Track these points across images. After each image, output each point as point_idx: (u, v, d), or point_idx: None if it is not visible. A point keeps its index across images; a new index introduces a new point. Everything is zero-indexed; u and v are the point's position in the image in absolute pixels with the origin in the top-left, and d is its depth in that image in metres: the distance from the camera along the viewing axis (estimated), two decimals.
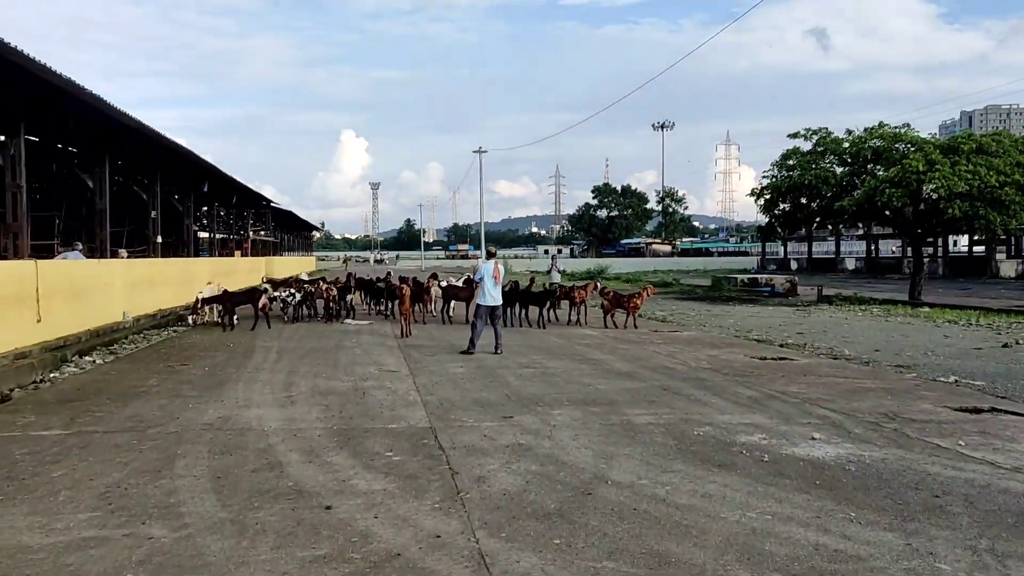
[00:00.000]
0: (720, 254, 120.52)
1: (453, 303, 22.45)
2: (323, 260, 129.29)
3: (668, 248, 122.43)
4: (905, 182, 30.13)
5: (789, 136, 36.22)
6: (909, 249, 50.42)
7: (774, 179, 37.05)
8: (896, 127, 34.03)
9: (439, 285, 22.69)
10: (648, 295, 21.27)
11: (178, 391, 10.53)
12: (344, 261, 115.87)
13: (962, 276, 59.06)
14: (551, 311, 20.80)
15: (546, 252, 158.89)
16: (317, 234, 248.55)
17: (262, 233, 56.51)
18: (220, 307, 19.59)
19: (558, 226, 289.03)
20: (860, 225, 58.91)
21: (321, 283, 23.52)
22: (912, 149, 31.96)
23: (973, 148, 30.17)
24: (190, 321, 19.44)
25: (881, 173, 31.67)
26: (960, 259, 66.98)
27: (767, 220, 41.45)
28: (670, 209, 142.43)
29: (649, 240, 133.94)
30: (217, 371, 12.36)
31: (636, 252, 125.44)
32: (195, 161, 25.35)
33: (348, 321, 21.15)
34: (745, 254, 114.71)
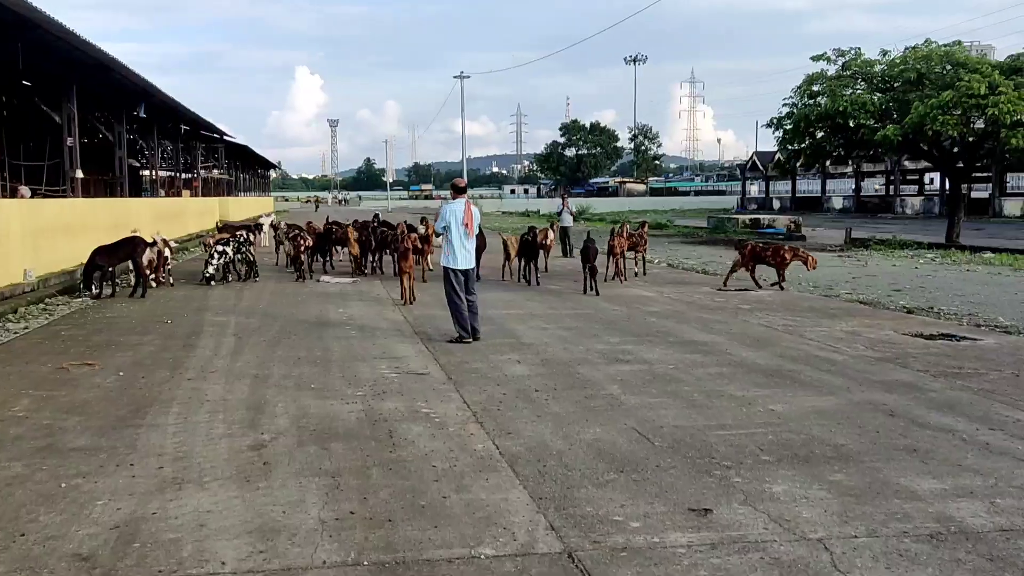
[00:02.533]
0: (696, 193, 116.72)
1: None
2: (284, 201, 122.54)
3: (642, 187, 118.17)
4: (962, 107, 26.06)
5: (812, 59, 31.93)
6: (897, 187, 47.15)
7: (797, 108, 32.68)
8: (945, 44, 29.80)
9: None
10: (802, 258, 15.71)
11: (51, 436, 5.88)
12: (314, 202, 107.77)
13: (971, 214, 55.88)
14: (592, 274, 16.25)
15: (512, 192, 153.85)
16: (274, 173, 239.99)
17: (215, 172, 50.88)
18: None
19: (519, 166, 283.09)
20: (850, 162, 55.20)
21: (305, 229, 18.78)
22: (964, 71, 27.76)
23: None
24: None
25: (931, 99, 27.40)
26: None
27: (784, 155, 37.15)
28: (643, 147, 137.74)
29: (622, 179, 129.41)
30: (138, 379, 7.75)
31: (605, 192, 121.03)
32: (125, 76, 20.12)
33: (326, 279, 16.57)
34: (721, 193, 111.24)
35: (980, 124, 28.11)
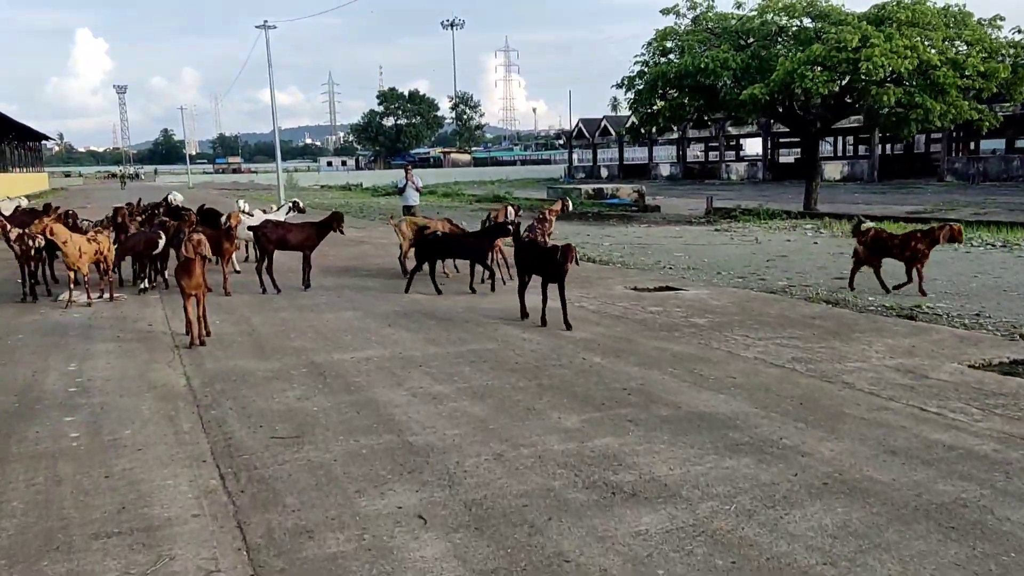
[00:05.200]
0: (522, 163, 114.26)
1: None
2: (65, 178, 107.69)
3: (467, 158, 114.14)
4: (832, 62, 23.82)
5: (663, 12, 29.05)
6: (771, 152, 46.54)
7: (649, 66, 29.60)
8: None
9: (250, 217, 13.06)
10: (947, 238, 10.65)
11: None
12: (120, 178, 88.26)
13: (790, 179, 56.40)
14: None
15: (329, 164, 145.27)
16: (55, 147, 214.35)
17: None
18: None
19: (334, 137, 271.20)
20: (674, 128, 54.07)
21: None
22: (828, 23, 25.67)
23: (906, 19, 24.23)
24: None
25: (797, 54, 24.99)
26: (781, 165, 64.73)
27: (638, 117, 34.12)
28: (464, 116, 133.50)
29: (445, 149, 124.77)
30: None
31: (427, 163, 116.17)
32: None
33: (66, 296, 11.04)
34: (547, 162, 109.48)
35: (844, 81, 26.19)
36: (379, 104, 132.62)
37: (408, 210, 19.28)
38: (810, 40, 25.13)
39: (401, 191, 19.54)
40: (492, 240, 11.64)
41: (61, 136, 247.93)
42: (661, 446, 5.09)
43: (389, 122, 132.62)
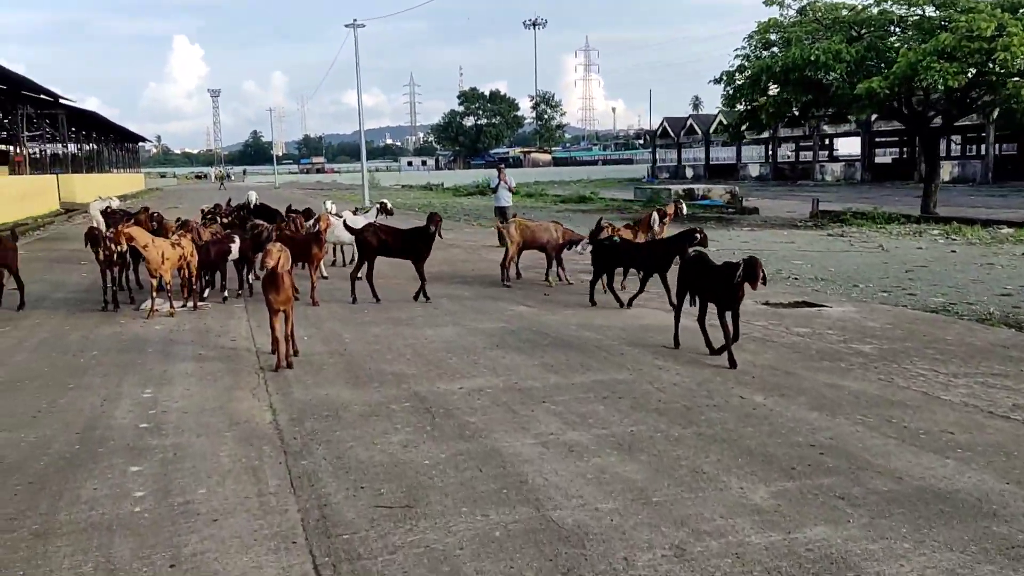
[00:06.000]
0: (604, 162, 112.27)
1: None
2: (160, 178, 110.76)
3: (547, 157, 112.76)
4: (962, 53, 21.60)
5: (766, 2, 27.24)
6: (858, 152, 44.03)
7: (750, 60, 27.78)
8: None
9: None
10: None
11: None
12: (218, 178, 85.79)
13: (890, 180, 53.33)
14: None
15: (409, 164, 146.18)
16: (153, 148, 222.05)
17: (57, 145, 42.41)
18: None
19: (414, 137, 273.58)
20: (769, 126, 51.50)
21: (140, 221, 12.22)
22: (956, 11, 23.43)
23: None
24: None
25: (922, 45, 22.86)
26: (878, 165, 61.37)
27: (736, 116, 32.25)
28: (545, 115, 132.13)
29: (526, 149, 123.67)
30: None
31: (506, 162, 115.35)
32: None
33: (148, 306, 10.22)
34: (628, 162, 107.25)
35: (973, 73, 23.94)
36: (460, 104, 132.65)
37: (501, 212, 18.17)
38: (934, 30, 23.03)
39: (493, 191, 18.42)
40: (679, 251, 9.37)
41: (159, 138, 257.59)
42: (905, 545, 3.72)
43: (469, 122, 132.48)
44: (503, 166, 19.23)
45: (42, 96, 31.95)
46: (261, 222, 12.49)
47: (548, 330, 8.85)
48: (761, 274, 6.84)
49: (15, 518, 4.12)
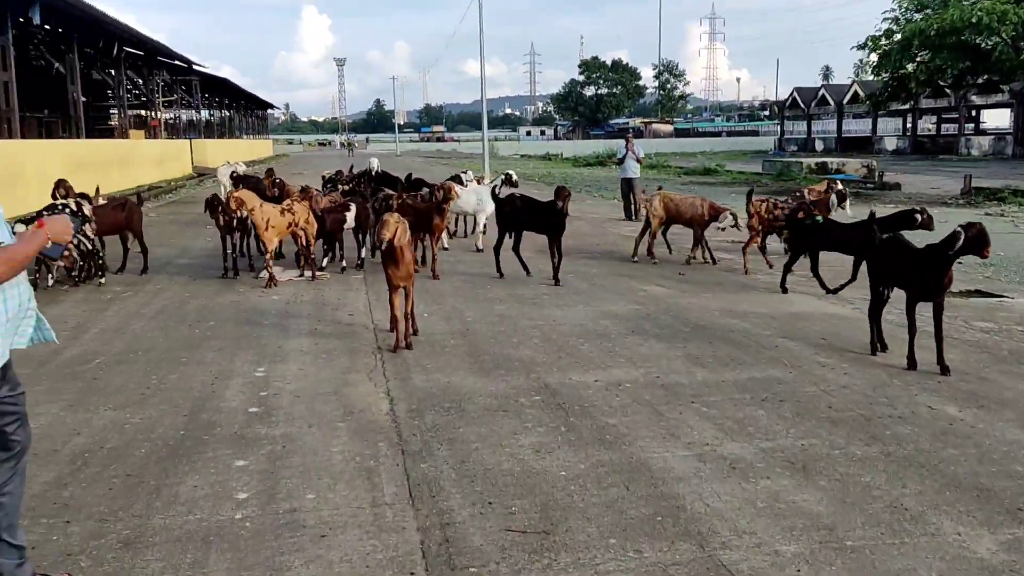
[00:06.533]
0: (728, 134, 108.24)
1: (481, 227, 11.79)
2: (287, 144, 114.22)
3: (669, 128, 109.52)
4: None
5: None
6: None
7: (902, 23, 25.52)
8: None
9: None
10: None
11: None
12: (347, 145, 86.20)
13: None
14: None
15: (528, 134, 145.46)
16: (281, 116, 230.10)
17: (191, 111, 43.96)
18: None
19: (532, 107, 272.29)
20: (917, 96, 47.73)
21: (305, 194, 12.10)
22: None
23: None
24: None
25: None
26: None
27: (884, 82, 29.91)
28: (668, 85, 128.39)
29: (647, 120, 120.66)
30: None
31: (625, 133, 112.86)
32: None
33: (263, 276, 10.00)
34: (754, 133, 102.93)
35: None
36: (580, 73, 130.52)
37: (627, 183, 17.26)
38: None
39: (620, 162, 17.48)
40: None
41: (287, 106, 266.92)
42: None
43: (589, 92, 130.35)
44: (631, 135, 18.24)
45: (177, 63, 32.96)
46: (387, 190, 12.08)
47: (688, 315, 8.00)
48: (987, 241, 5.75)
49: (106, 519, 3.69)
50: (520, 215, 9.89)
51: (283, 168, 36.03)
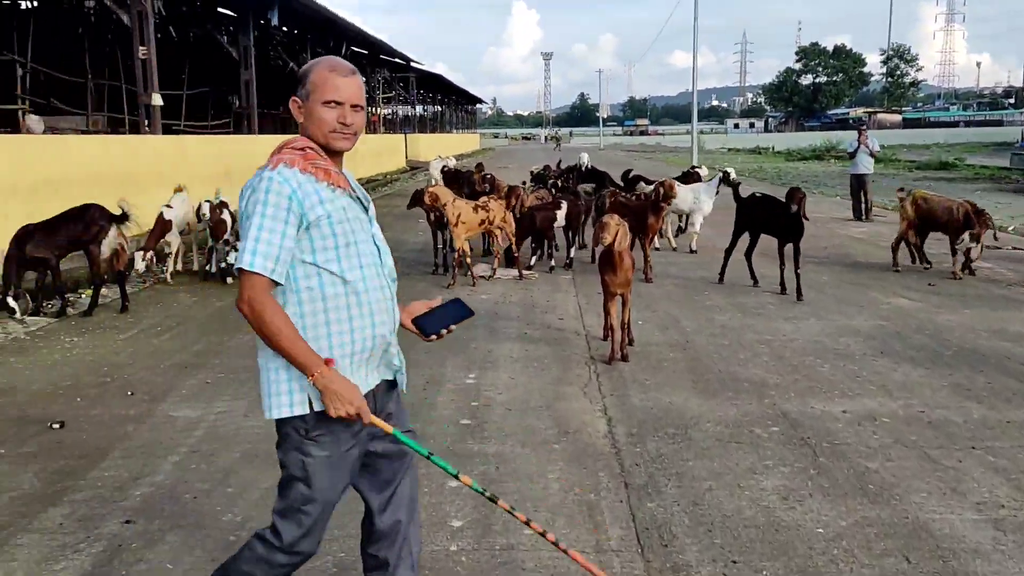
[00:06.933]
0: (966, 124, 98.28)
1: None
2: (494, 139, 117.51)
3: (897, 118, 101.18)
4: None
5: None
6: None
7: None
8: None
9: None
10: None
11: None
12: (554, 139, 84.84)
13: None
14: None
15: (736, 126, 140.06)
16: (488, 110, 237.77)
17: (407, 106, 45.92)
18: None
19: (741, 98, 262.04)
20: None
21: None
22: None
23: None
24: (141, 266, 8.75)
25: None
26: None
27: None
28: (897, 71, 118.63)
29: (870, 109, 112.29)
30: None
31: (846, 124, 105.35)
32: None
33: (482, 269, 9.90)
34: (997, 123, 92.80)
35: None
36: (797, 61, 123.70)
37: (858, 180, 15.73)
38: None
39: (851, 156, 15.95)
40: None
41: (494, 100, 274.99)
42: None
43: (806, 80, 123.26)
44: (865, 127, 16.66)
45: (396, 60, 34.44)
46: (612, 189, 11.67)
47: (947, 335, 6.89)
48: None
49: (327, 538, 3.49)
50: (758, 216, 8.95)
51: (489, 162, 36.71)
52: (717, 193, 11.35)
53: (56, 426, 4.78)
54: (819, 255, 11.39)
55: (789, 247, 8.46)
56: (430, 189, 9.43)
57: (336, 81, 2.35)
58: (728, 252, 9.26)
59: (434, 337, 2.62)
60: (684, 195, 11.27)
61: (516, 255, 9.88)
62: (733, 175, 11.66)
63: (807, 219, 8.45)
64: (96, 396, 5.44)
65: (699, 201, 11.21)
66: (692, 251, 11.50)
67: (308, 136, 2.41)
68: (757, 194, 9.37)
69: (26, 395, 5.47)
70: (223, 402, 5.32)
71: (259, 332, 2.25)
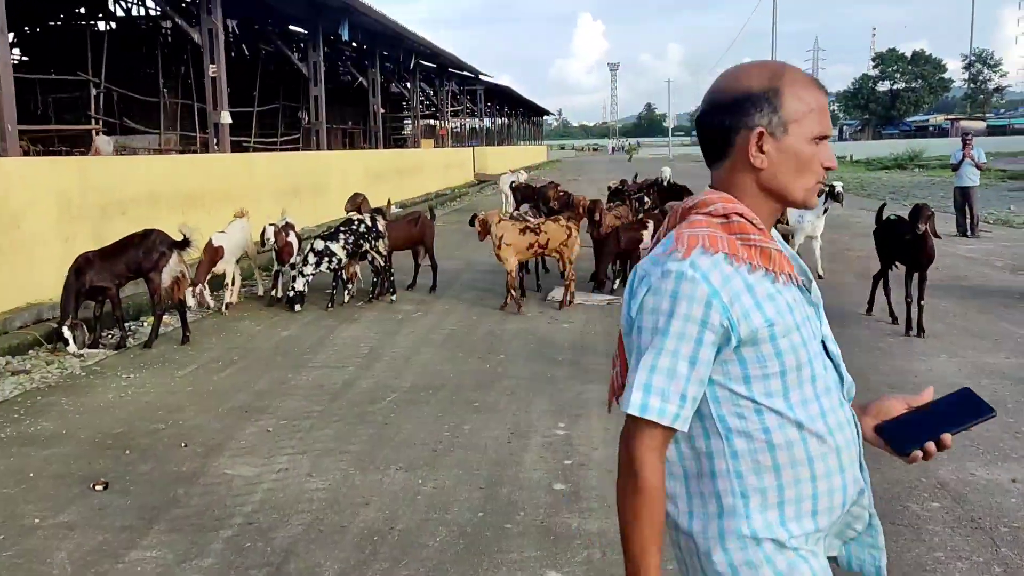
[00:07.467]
0: None
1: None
2: (560, 150, 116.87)
3: (982, 125, 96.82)
4: None
5: None
6: None
7: None
8: None
9: None
10: None
11: None
12: (628, 150, 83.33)
13: None
14: None
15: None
16: (554, 122, 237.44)
17: (474, 119, 45.67)
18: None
19: None
20: None
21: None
22: None
23: None
24: (192, 302, 8.29)
25: None
26: None
27: None
28: (980, 76, 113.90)
29: (952, 116, 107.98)
30: None
31: (926, 132, 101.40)
32: None
33: (552, 297, 9.20)
34: None
35: None
36: (873, 67, 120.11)
37: (963, 193, 14.55)
38: None
39: (955, 168, 14.78)
40: None
41: (560, 111, 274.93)
42: None
43: (883, 87, 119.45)
44: (970, 137, 15.34)
45: (464, 72, 34.14)
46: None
47: None
48: None
49: None
50: (891, 241, 7.94)
51: (557, 174, 36.09)
52: (825, 211, 10.22)
53: (99, 488, 4.25)
54: (931, 277, 10.31)
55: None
56: (480, 218, 8.79)
57: (824, 103, 1.54)
58: (876, 279, 8.26)
59: (919, 454, 1.57)
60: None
61: (601, 278, 9.15)
62: (839, 188, 10.61)
63: (938, 237, 7.51)
64: (147, 447, 4.91)
65: (801, 220, 10.12)
66: (819, 276, 10.38)
67: (764, 188, 1.54)
68: (893, 217, 8.28)
69: (72, 445, 4.98)
70: (284, 456, 4.74)
71: (619, 501, 1.52)
